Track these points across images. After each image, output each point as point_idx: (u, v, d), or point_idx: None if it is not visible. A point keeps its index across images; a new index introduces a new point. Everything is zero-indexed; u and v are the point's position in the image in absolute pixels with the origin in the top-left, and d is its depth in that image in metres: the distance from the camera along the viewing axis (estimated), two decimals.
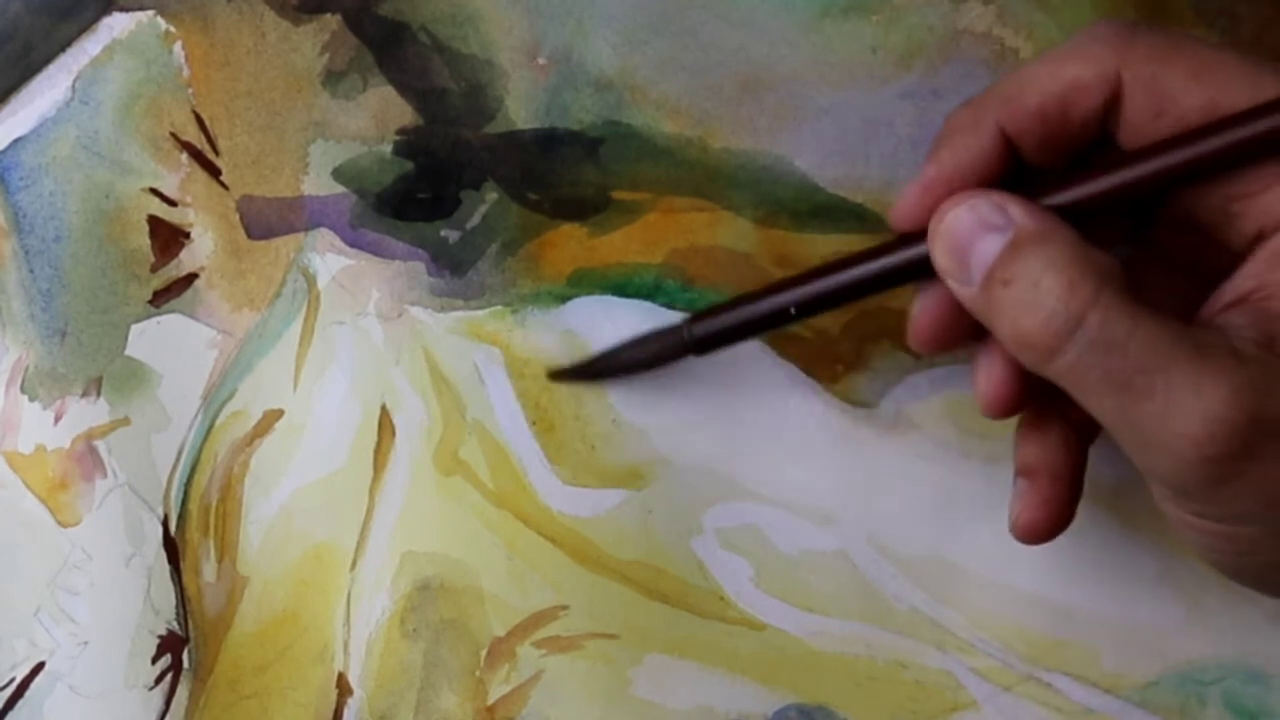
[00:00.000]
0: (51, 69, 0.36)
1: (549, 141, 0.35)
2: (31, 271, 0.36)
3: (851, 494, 0.35)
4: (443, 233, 0.36)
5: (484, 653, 0.36)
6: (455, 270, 0.36)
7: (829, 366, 0.35)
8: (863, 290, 0.31)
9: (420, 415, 0.36)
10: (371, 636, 0.36)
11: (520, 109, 0.35)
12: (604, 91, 0.35)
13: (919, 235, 0.29)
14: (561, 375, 0.36)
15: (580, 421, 0.36)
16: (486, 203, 0.36)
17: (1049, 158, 0.29)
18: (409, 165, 0.36)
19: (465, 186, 0.36)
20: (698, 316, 0.33)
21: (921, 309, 0.30)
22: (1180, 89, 0.27)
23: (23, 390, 0.36)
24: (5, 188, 0.36)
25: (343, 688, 0.36)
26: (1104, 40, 0.28)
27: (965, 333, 0.30)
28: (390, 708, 0.36)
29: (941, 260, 0.28)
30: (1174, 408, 0.26)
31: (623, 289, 0.36)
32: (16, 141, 0.36)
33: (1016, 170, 0.29)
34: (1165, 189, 0.28)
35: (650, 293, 0.36)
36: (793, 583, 0.36)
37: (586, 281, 0.36)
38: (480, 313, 0.36)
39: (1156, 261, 0.31)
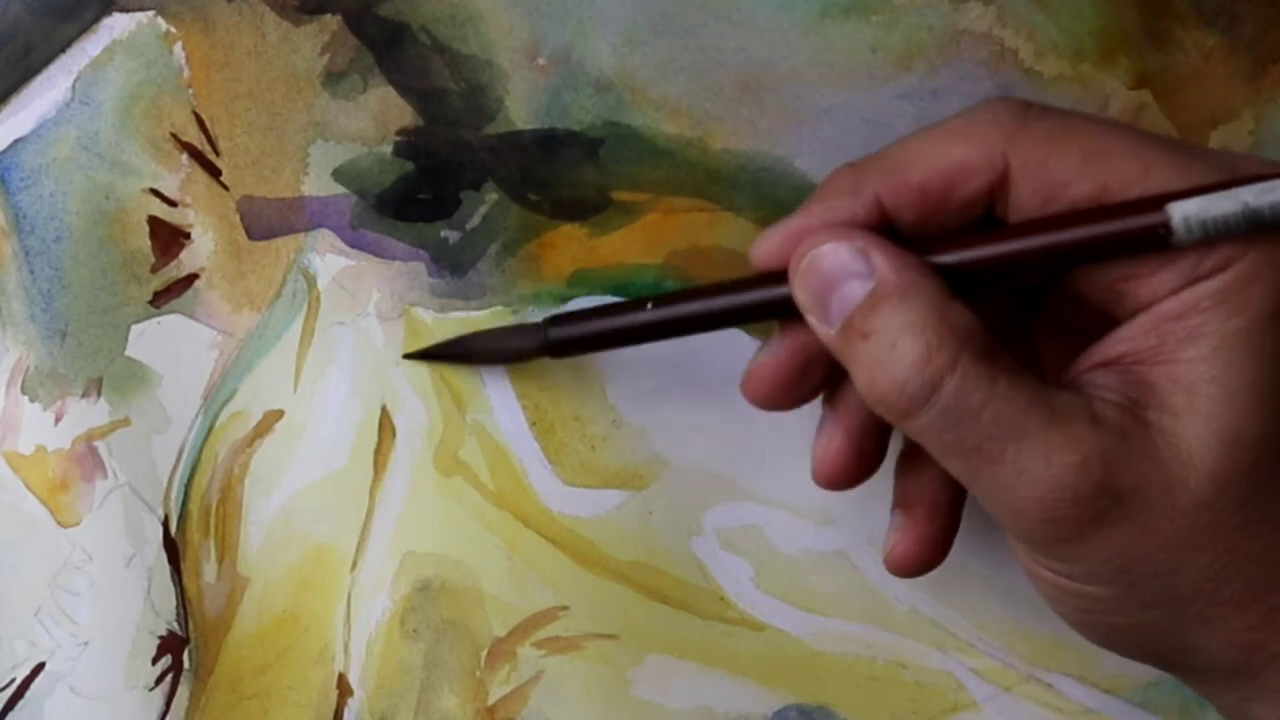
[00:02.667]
0: (52, 70, 0.36)
1: (549, 142, 0.35)
2: (32, 272, 0.36)
3: (851, 494, 0.35)
4: (443, 233, 0.36)
5: (484, 653, 0.36)
6: (455, 271, 0.36)
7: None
8: (723, 320, 0.31)
9: (420, 416, 0.36)
10: (372, 637, 0.36)
11: (520, 110, 0.35)
12: (604, 92, 0.35)
13: (777, 276, 0.29)
14: (414, 355, 0.35)
15: (580, 422, 0.36)
16: (487, 203, 0.36)
17: (926, 232, 0.28)
18: (409, 166, 0.36)
19: (465, 187, 0.36)
20: (556, 320, 0.33)
21: (764, 360, 0.30)
22: (1070, 175, 0.27)
23: (23, 391, 0.36)
24: (5, 188, 0.36)
25: (343, 688, 0.36)
26: (995, 122, 0.28)
27: (806, 393, 0.30)
28: (390, 708, 0.36)
29: (802, 299, 0.28)
30: (1023, 474, 0.26)
31: (623, 290, 0.36)
32: (17, 142, 0.36)
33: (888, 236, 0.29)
34: (1053, 267, 0.28)
35: (650, 293, 0.35)
36: (793, 583, 0.36)
37: (587, 282, 0.36)
38: (481, 313, 0.36)
39: (1047, 322, 0.31)
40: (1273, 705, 0.28)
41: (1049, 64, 0.35)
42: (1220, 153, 0.28)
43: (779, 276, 0.29)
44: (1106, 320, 0.28)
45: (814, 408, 0.35)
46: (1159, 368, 0.26)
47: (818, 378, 0.30)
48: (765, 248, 0.29)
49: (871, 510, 0.35)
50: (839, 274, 0.28)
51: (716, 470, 0.36)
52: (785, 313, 0.30)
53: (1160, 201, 0.26)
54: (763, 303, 0.30)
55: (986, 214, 0.28)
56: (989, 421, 0.26)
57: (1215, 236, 0.26)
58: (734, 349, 0.35)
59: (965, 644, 0.35)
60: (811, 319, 0.28)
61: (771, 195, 0.35)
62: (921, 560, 0.31)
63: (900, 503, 0.31)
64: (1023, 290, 0.31)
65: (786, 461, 0.36)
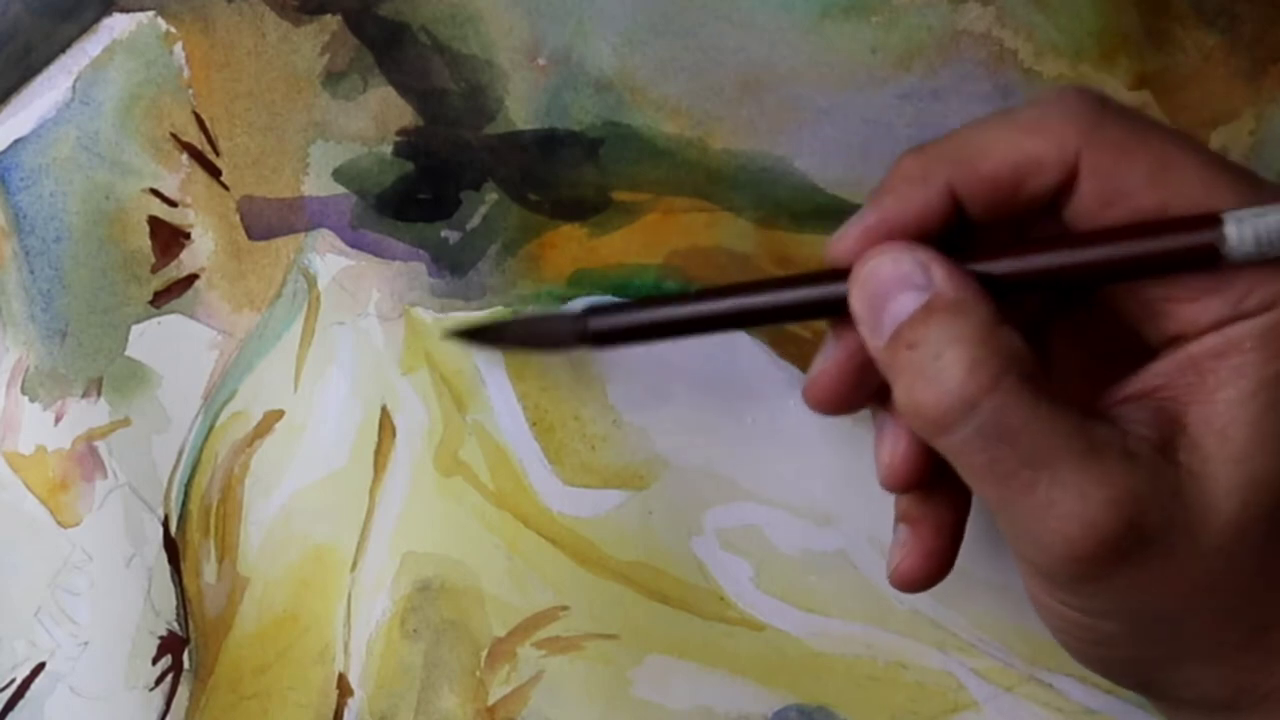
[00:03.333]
0: (52, 70, 0.36)
1: (549, 142, 0.35)
2: (32, 272, 0.36)
3: (852, 494, 0.35)
4: (443, 233, 0.36)
5: (484, 653, 0.36)
6: (456, 271, 0.36)
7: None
8: (777, 316, 0.30)
9: (421, 416, 0.36)
10: (372, 637, 0.36)
11: (520, 110, 0.35)
12: (604, 92, 0.35)
13: (845, 272, 0.29)
14: (454, 336, 0.35)
15: (580, 422, 0.36)
16: (487, 203, 0.36)
17: (994, 220, 0.28)
18: (409, 166, 0.36)
19: (465, 187, 0.36)
20: (597, 310, 0.32)
21: (823, 364, 0.30)
22: (1136, 186, 0.27)
23: (23, 391, 0.36)
24: (6, 188, 0.36)
25: (343, 688, 0.36)
26: (1070, 117, 0.27)
27: (861, 396, 0.30)
28: (391, 708, 0.36)
29: (858, 306, 0.28)
30: (1055, 505, 0.26)
31: (623, 290, 0.36)
32: (17, 142, 0.36)
33: (958, 225, 0.28)
34: (1101, 281, 0.28)
35: (650, 293, 0.36)
36: (793, 583, 0.36)
37: (587, 282, 0.36)
38: (481, 313, 0.36)
39: (1075, 337, 0.30)
40: None
41: (1048, 64, 0.35)
42: None
43: (821, 276, 0.29)
44: (1131, 338, 0.28)
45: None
46: (1194, 407, 0.26)
47: (876, 380, 0.29)
48: (840, 246, 0.29)
49: (872, 510, 0.35)
50: (897, 285, 0.27)
51: (716, 470, 0.36)
52: (829, 312, 0.29)
53: (1216, 216, 0.26)
54: (808, 302, 0.30)
55: (1050, 206, 0.28)
56: (1025, 446, 0.26)
57: (1270, 250, 0.25)
58: (734, 350, 0.35)
59: (965, 644, 0.35)
60: (863, 328, 0.28)
61: (771, 195, 0.35)
62: (927, 576, 0.30)
63: (905, 517, 0.31)
64: (1050, 297, 0.31)
65: (786, 461, 0.36)
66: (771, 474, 0.36)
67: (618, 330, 0.32)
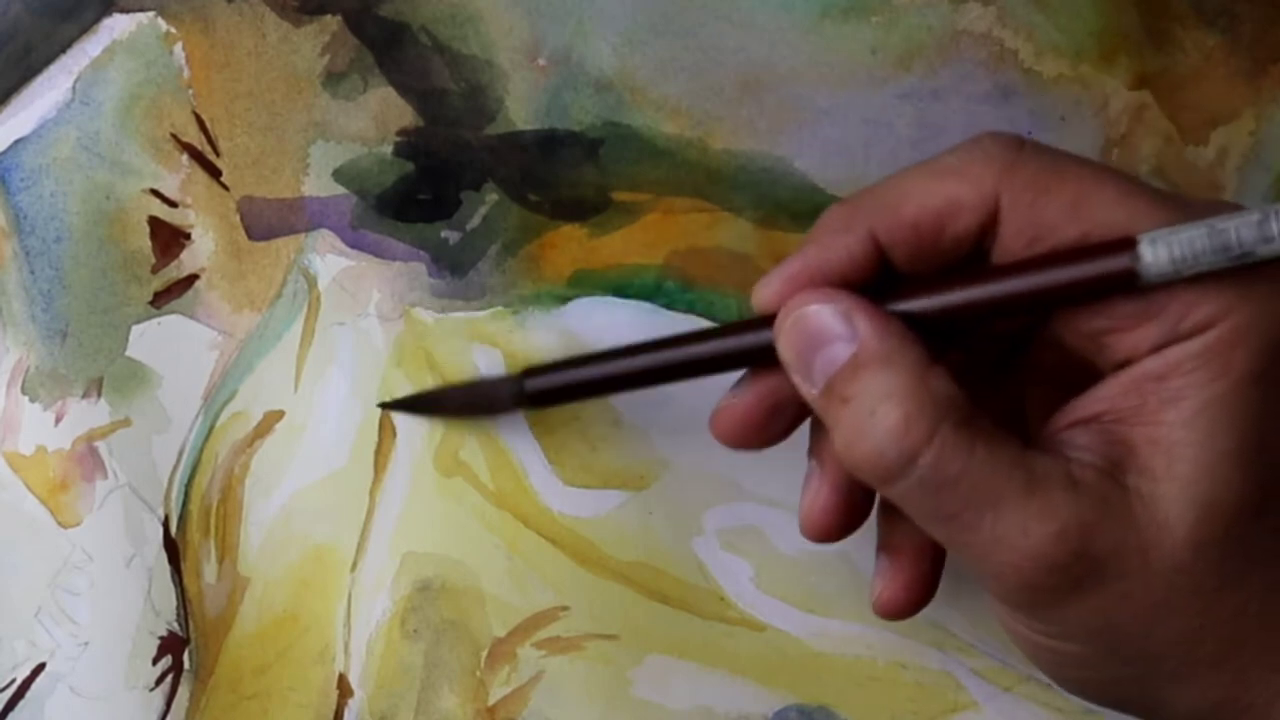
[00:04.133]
0: (52, 70, 0.36)
1: (549, 142, 0.35)
2: (32, 272, 0.36)
3: None
4: (443, 234, 0.36)
5: (484, 653, 0.36)
6: (456, 271, 0.36)
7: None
8: (710, 367, 0.30)
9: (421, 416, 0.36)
10: (372, 637, 0.36)
11: (520, 110, 0.35)
12: (604, 92, 0.35)
13: (772, 319, 0.29)
14: (389, 405, 0.35)
15: (581, 422, 0.36)
16: (487, 204, 0.36)
17: (919, 268, 0.28)
18: (409, 166, 0.36)
19: (465, 187, 0.36)
20: (532, 371, 0.33)
21: (733, 403, 0.30)
22: (1057, 221, 0.27)
23: (23, 391, 0.36)
24: (6, 189, 0.36)
25: (343, 688, 0.36)
26: (987, 160, 0.27)
27: (774, 435, 0.30)
28: (391, 708, 0.36)
29: (786, 355, 0.28)
30: (1000, 542, 0.26)
31: (623, 290, 0.36)
32: (17, 143, 0.36)
33: (883, 275, 0.29)
34: (1027, 311, 0.28)
35: (651, 294, 0.36)
36: (793, 583, 0.36)
37: (587, 283, 0.36)
38: (481, 314, 0.36)
39: (1030, 374, 0.31)
40: None
41: (1049, 64, 0.35)
42: (1207, 201, 0.27)
43: (749, 325, 0.29)
44: (1090, 369, 0.28)
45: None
46: (1139, 429, 0.26)
47: (786, 422, 0.30)
48: (764, 294, 0.29)
49: (871, 511, 0.35)
50: (822, 336, 0.27)
51: (717, 470, 0.36)
52: (760, 360, 0.29)
53: (1131, 240, 0.26)
54: (743, 351, 0.30)
55: (975, 250, 0.28)
56: (966, 490, 0.26)
57: (1185, 268, 0.26)
58: None
59: (965, 644, 0.35)
60: (795, 376, 0.28)
61: (771, 195, 0.35)
62: (909, 603, 0.31)
63: (885, 546, 0.31)
64: (1006, 336, 0.31)
65: (786, 462, 0.35)
66: (771, 474, 0.36)
67: (553, 390, 0.32)
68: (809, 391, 0.28)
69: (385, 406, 0.36)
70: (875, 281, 0.28)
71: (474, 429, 0.36)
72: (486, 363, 0.36)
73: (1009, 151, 0.28)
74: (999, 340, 0.31)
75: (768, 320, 0.29)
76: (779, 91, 0.35)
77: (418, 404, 0.35)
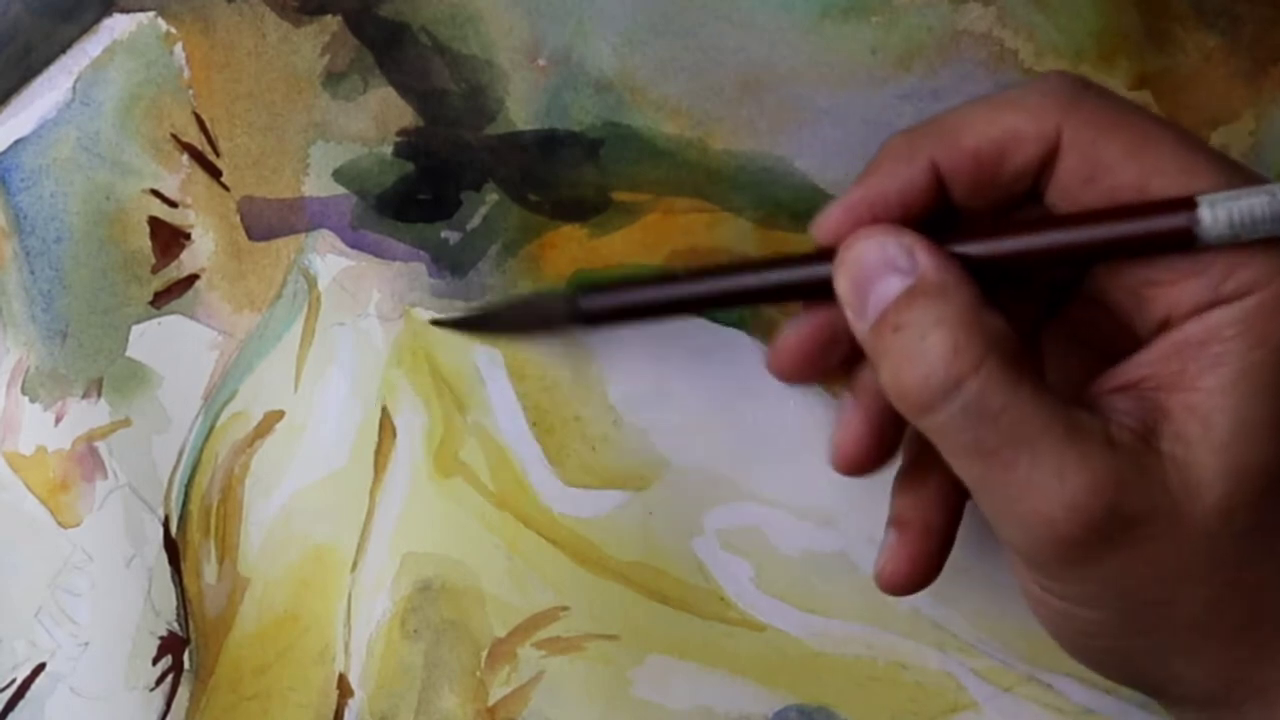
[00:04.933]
0: (52, 70, 0.36)
1: (549, 143, 0.35)
2: (32, 273, 0.36)
3: (852, 495, 0.35)
4: (443, 234, 0.36)
5: (485, 654, 0.36)
6: (456, 271, 0.36)
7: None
8: (764, 297, 0.31)
9: (421, 416, 0.36)
10: (372, 637, 0.36)
11: (520, 110, 0.36)
12: (604, 93, 0.35)
13: (830, 253, 0.29)
14: (441, 323, 0.35)
15: (581, 422, 0.36)
16: (487, 204, 0.36)
17: (978, 202, 0.29)
18: (409, 166, 0.36)
19: (466, 188, 0.36)
20: (587, 288, 0.32)
21: (791, 335, 0.30)
22: (1115, 161, 0.27)
23: (23, 391, 0.36)
24: (6, 189, 0.36)
25: (343, 688, 0.36)
26: (1051, 95, 0.28)
27: (826, 369, 0.30)
28: (391, 708, 0.36)
29: (842, 288, 0.28)
30: (1035, 486, 0.26)
31: None
32: (17, 143, 0.36)
33: (943, 210, 0.29)
34: (1079, 263, 0.28)
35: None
36: (793, 584, 0.36)
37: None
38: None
39: (1065, 334, 0.31)
40: None
41: (1049, 64, 0.35)
42: (1262, 176, 0.27)
43: (815, 257, 0.29)
44: (1121, 332, 0.28)
45: (816, 413, 0.35)
46: (1177, 395, 0.26)
47: (839, 354, 0.30)
48: (825, 225, 0.29)
49: (872, 511, 0.35)
50: (882, 267, 0.28)
51: (717, 470, 0.36)
52: (815, 294, 0.29)
53: (1191, 200, 0.26)
54: (794, 283, 0.30)
55: (1033, 187, 0.28)
56: (1007, 426, 0.26)
57: (1243, 233, 0.26)
58: (735, 350, 0.35)
59: (965, 644, 0.35)
60: (848, 311, 0.28)
61: (771, 196, 0.35)
62: (912, 579, 0.31)
63: (895, 521, 0.31)
64: (1041, 296, 0.31)
65: (787, 462, 0.36)
66: (771, 474, 0.36)
67: (608, 310, 0.31)
68: (860, 327, 0.28)
69: (438, 324, 0.35)
70: (933, 216, 0.28)
71: (474, 430, 0.36)
72: (487, 363, 0.36)
73: (1074, 89, 0.28)
74: (1030, 303, 0.30)
75: (826, 254, 0.29)
76: (779, 91, 0.35)
77: (470, 322, 0.35)
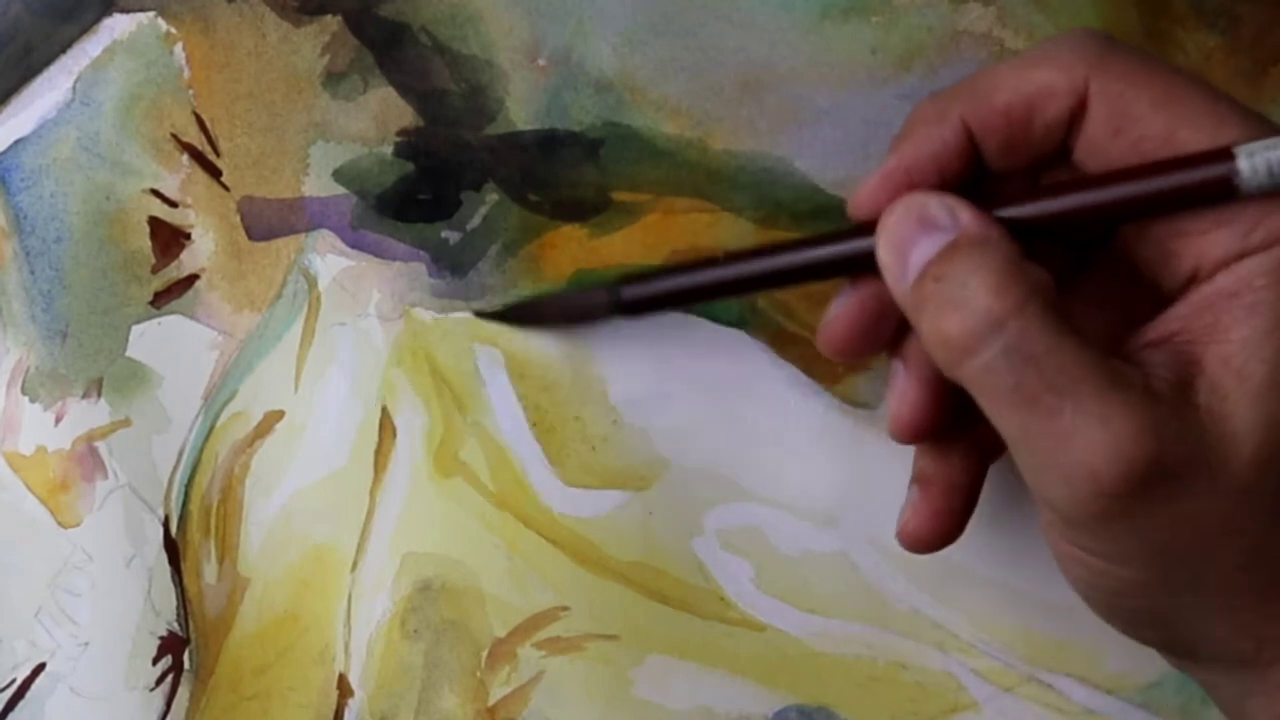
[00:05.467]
0: (52, 70, 0.36)
1: (549, 143, 0.35)
2: (32, 273, 0.36)
3: (852, 495, 0.35)
4: (443, 234, 0.36)
5: (485, 654, 0.36)
6: (456, 271, 0.36)
7: (829, 367, 0.35)
8: (804, 275, 0.31)
9: (421, 416, 0.36)
10: (372, 637, 0.36)
11: (520, 110, 0.36)
12: (604, 93, 0.35)
13: (868, 226, 0.29)
14: (486, 315, 0.35)
15: (581, 422, 0.36)
16: (487, 204, 0.36)
17: (1009, 161, 0.29)
18: (409, 166, 0.36)
19: (466, 188, 0.36)
20: (629, 279, 0.32)
21: (839, 312, 0.30)
22: (1143, 113, 0.27)
23: (23, 391, 0.36)
24: (6, 189, 0.36)
25: (343, 688, 0.36)
26: (1078, 50, 0.28)
27: (877, 342, 0.30)
28: (391, 709, 0.36)
29: (883, 254, 0.28)
30: (1079, 433, 0.26)
31: None
32: (17, 143, 0.36)
33: (976, 173, 0.29)
34: (1117, 220, 0.28)
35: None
36: (793, 584, 0.36)
37: (587, 282, 0.36)
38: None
39: (1090, 296, 0.31)
40: (1274, 699, 0.28)
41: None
42: None
43: (853, 232, 0.30)
44: (1147, 289, 0.28)
45: (816, 412, 0.35)
46: (1211, 347, 0.26)
47: (889, 328, 0.30)
48: (862, 196, 0.29)
49: (872, 511, 0.35)
50: (921, 228, 0.28)
51: (717, 470, 0.36)
52: (856, 268, 0.30)
53: (1226, 151, 0.26)
54: (834, 259, 0.30)
55: (1063, 143, 0.28)
56: (1050, 369, 0.26)
57: None
58: (734, 350, 0.35)
59: (966, 644, 0.35)
60: (888, 275, 0.28)
61: (772, 196, 0.35)
62: (933, 535, 0.31)
63: (918, 478, 0.31)
64: (1064, 258, 0.31)
65: (787, 462, 0.36)
66: (771, 474, 0.36)
67: (649, 298, 0.32)
68: (901, 288, 0.28)
69: (482, 316, 0.35)
70: (968, 177, 0.29)
71: (474, 430, 0.36)
72: (487, 363, 0.36)
73: (1100, 43, 0.28)
74: (1059, 262, 0.31)
75: (864, 228, 0.29)
76: (779, 91, 0.35)
77: (514, 314, 0.35)
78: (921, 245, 0.28)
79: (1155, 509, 0.26)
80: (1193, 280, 0.27)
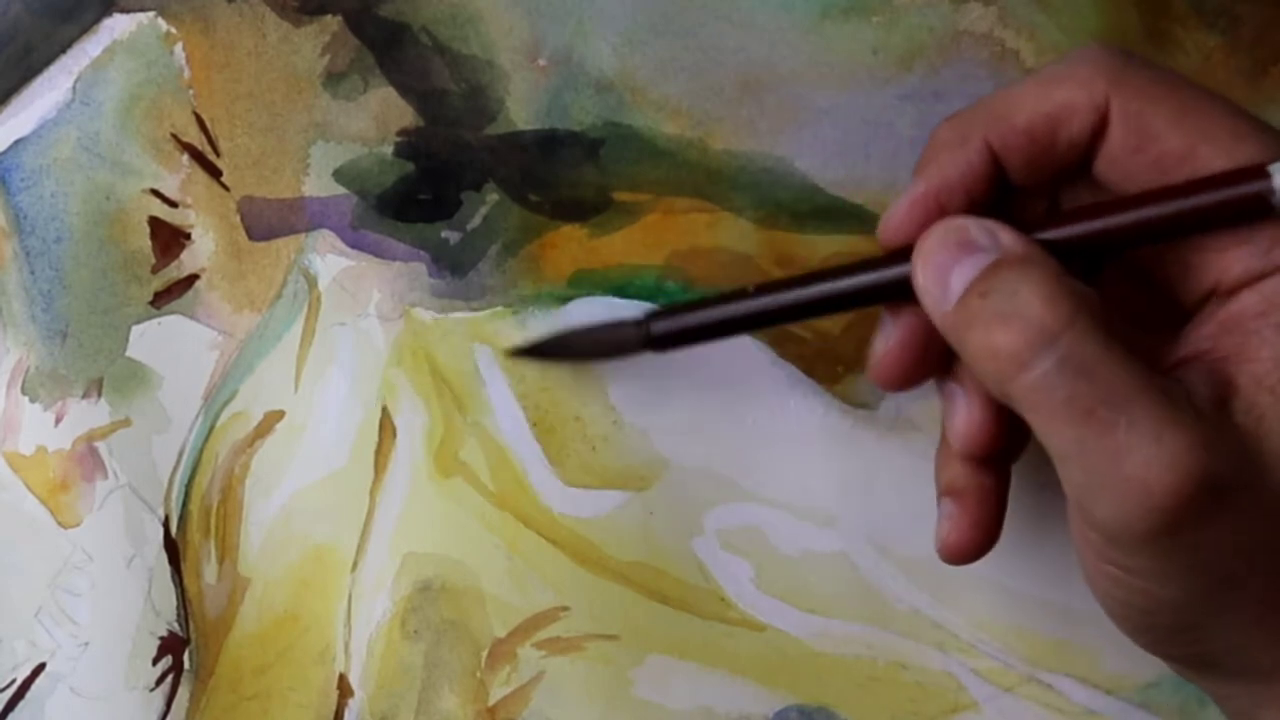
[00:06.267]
0: (52, 70, 0.36)
1: (549, 143, 0.35)
2: (32, 273, 0.36)
3: (852, 495, 0.35)
4: (443, 234, 0.36)
5: (485, 654, 0.36)
6: (456, 271, 0.36)
7: (829, 367, 0.35)
8: (838, 305, 0.31)
9: (421, 416, 0.36)
10: (372, 637, 0.36)
11: (521, 110, 0.35)
12: (604, 93, 0.35)
13: (899, 254, 0.29)
14: (517, 353, 0.35)
15: (581, 422, 0.36)
16: (487, 204, 0.36)
17: (1033, 178, 0.29)
18: (410, 166, 0.36)
19: (466, 188, 0.36)
20: (658, 314, 0.32)
21: (887, 344, 0.30)
22: (1163, 129, 0.27)
23: (23, 391, 0.36)
24: (6, 189, 0.36)
25: (344, 689, 0.36)
26: (1097, 66, 0.28)
27: (930, 368, 0.30)
28: (391, 709, 0.36)
29: (921, 278, 0.28)
30: (1133, 448, 0.25)
31: (624, 290, 0.36)
32: (17, 143, 0.36)
33: (1002, 192, 0.29)
34: (1146, 242, 0.28)
35: (651, 294, 0.36)
36: (793, 584, 0.36)
37: (587, 283, 0.36)
38: (481, 314, 0.36)
39: (1111, 305, 0.30)
40: None
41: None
42: None
43: (878, 262, 0.29)
44: (1165, 301, 0.28)
45: (816, 413, 0.35)
46: (1244, 366, 0.26)
47: (938, 352, 0.30)
48: (893, 224, 0.29)
49: (872, 511, 0.35)
50: (962, 250, 0.28)
51: (717, 471, 0.36)
52: (891, 296, 0.30)
53: (1260, 169, 0.26)
54: (868, 288, 0.30)
55: (1085, 160, 0.28)
56: (1104, 382, 0.25)
57: None
58: (735, 350, 0.35)
59: (966, 644, 0.35)
60: (927, 300, 0.28)
61: (772, 196, 0.35)
62: (976, 545, 0.30)
63: (947, 491, 0.31)
64: (1078, 267, 0.31)
65: (787, 462, 0.36)
66: (771, 474, 0.36)
67: (679, 332, 0.32)
68: (942, 310, 0.28)
69: (513, 354, 0.35)
70: (993, 197, 0.29)
71: (474, 430, 0.36)
72: (487, 363, 0.36)
73: (1119, 61, 0.28)
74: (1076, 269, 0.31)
75: (896, 256, 0.29)
76: (779, 92, 0.35)
77: (545, 349, 0.35)
78: (963, 267, 0.27)
79: (1203, 526, 0.26)
80: (1212, 294, 0.27)
